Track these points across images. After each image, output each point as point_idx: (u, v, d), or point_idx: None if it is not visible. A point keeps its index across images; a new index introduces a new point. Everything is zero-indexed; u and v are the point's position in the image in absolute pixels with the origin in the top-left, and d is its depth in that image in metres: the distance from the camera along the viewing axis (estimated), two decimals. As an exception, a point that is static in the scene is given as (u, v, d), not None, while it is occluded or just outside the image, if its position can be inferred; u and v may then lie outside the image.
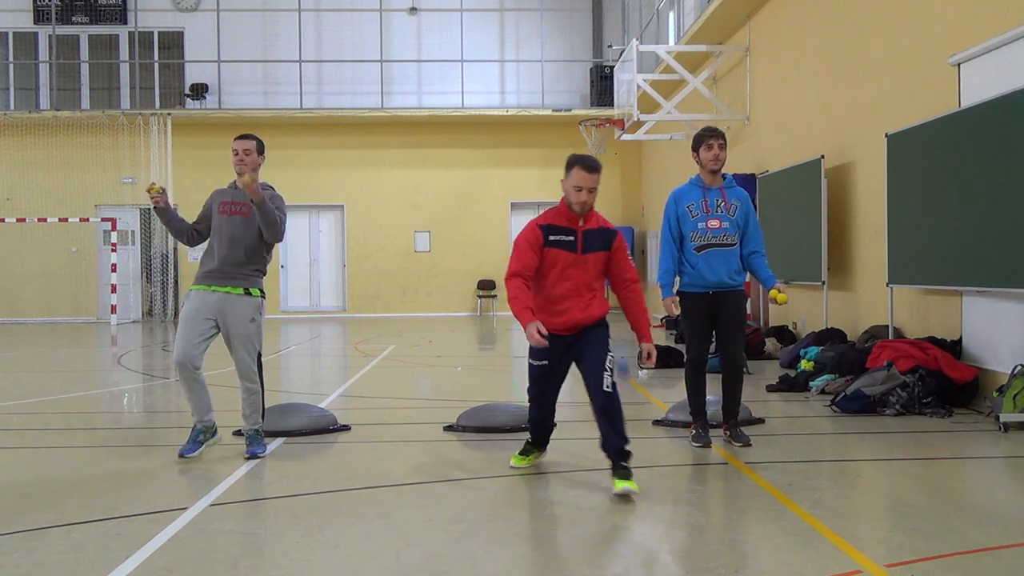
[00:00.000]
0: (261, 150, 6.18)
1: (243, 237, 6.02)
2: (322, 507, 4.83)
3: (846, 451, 6.41)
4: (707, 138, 6.23)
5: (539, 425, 5.55)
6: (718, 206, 6.20)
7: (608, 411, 5.06)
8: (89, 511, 4.71)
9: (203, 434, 6.03)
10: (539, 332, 4.84)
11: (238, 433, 6.58)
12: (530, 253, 5.09)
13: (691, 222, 6.20)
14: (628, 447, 5.08)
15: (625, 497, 4.85)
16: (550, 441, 5.73)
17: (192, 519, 4.54)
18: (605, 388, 5.02)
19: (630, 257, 5.33)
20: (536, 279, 5.15)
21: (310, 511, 4.72)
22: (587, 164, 5.07)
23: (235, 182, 6.14)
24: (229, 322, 5.94)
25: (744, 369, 10.10)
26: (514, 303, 5.00)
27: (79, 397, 9.40)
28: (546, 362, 5.21)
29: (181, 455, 5.93)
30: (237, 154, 6.04)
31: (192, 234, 6.22)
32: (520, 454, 5.71)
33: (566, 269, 5.10)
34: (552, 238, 5.10)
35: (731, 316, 6.24)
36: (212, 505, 4.84)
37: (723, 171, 6.32)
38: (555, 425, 5.63)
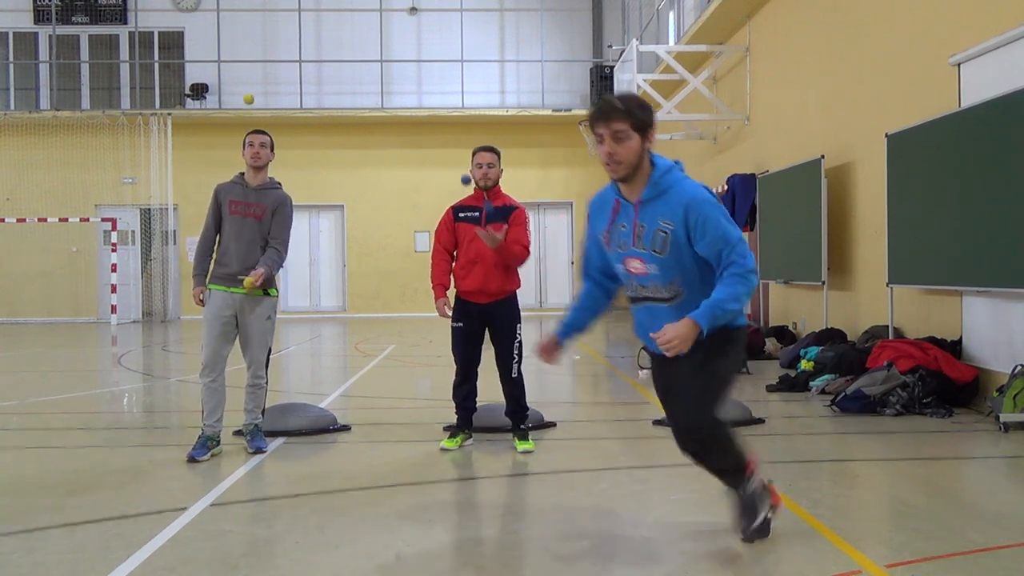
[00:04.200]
0: (272, 147, 6.25)
1: (258, 240, 6.11)
2: (322, 507, 4.83)
3: (846, 451, 6.41)
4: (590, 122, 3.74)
5: (461, 388, 6.22)
6: (636, 235, 3.76)
7: (514, 393, 6.20)
8: (89, 511, 4.71)
9: (211, 440, 6.03)
10: (445, 308, 6.14)
11: (238, 433, 6.58)
12: (445, 233, 6.24)
13: (611, 256, 3.96)
14: (527, 413, 6.27)
15: (528, 454, 5.99)
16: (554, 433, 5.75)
17: (193, 519, 4.54)
18: (513, 375, 6.17)
19: (529, 233, 6.22)
20: (457, 250, 6.25)
21: (310, 511, 4.72)
22: (484, 147, 6.22)
23: (241, 175, 6.19)
24: (248, 321, 6.08)
25: (744, 370, 10.17)
26: (433, 277, 6.22)
27: (79, 397, 9.40)
28: (462, 324, 6.19)
29: (192, 458, 5.87)
30: (253, 147, 6.10)
31: (214, 242, 6.27)
32: (450, 437, 6.25)
33: (473, 239, 6.05)
34: (461, 215, 6.20)
35: (683, 375, 3.87)
36: (213, 505, 4.84)
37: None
38: (476, 408, 6.32)
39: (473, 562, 3.96)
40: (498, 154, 6.26)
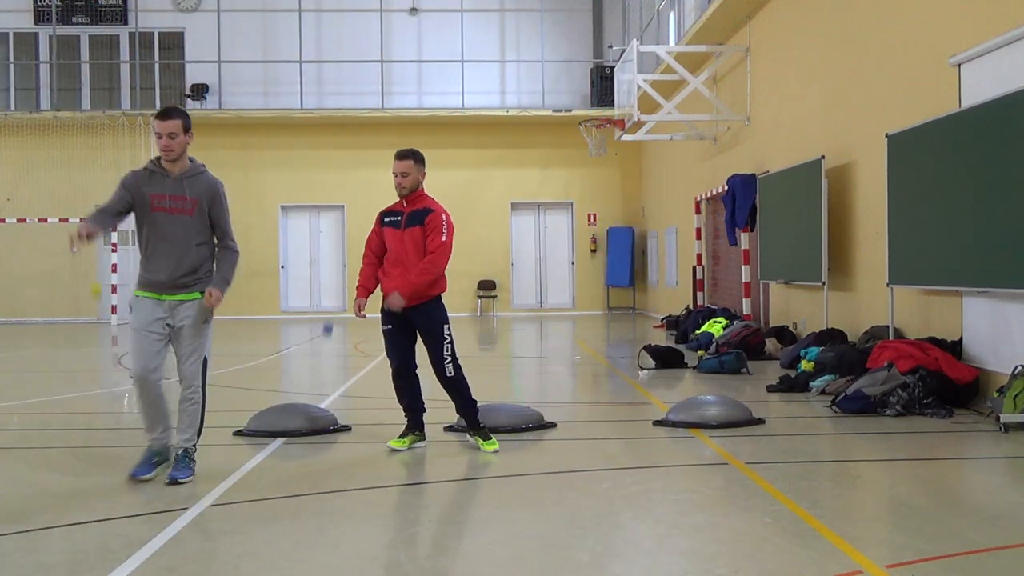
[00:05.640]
0: (188, 127, 5.28)
1: (192, 238, 5.33)
2: (322, 507, 4.83)
3: (846, 451, 6.41)
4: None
5: (399, 391, 6.28)
6: None
7: (453, 391, 6.22)
8: (89, 511, 4.71)
9: (157, 455, 5.40)
10: (360, 310, 6.22)
11: (238, 433, 6.59)
12: (373, 236, 6.29)
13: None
14: (477, 408, 6.25)
15: (495, 454, 6.00)
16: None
17: (192, 519, 4.55)
18: (448, 375, 6.15)
19: (442, 235, 6.06)
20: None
21: (310, 511, 4.72)
22: (399, 153, 6.16)
23: (155, 160, 5.36)
24: (182, 322, 5.39)
25: (744, 370, 10.18)
26: (359, 280, 6.33)
27: (79, 397, 9.40)
28: (390, 327, 6.20)
29: (133, 476, 5.29)
30: (161, 138, 5.20)
31: (117, 212, 5.33)
32: (399, 436, 6.24)
33: (393, 243, 6.14)
34: (386, 220, 6.24)
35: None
36: (212, 505, 4.84)
37: None
38: (425, 409, 6.32)
39: (473, 563, 3.96)
40: (417, 159, 6.17)
